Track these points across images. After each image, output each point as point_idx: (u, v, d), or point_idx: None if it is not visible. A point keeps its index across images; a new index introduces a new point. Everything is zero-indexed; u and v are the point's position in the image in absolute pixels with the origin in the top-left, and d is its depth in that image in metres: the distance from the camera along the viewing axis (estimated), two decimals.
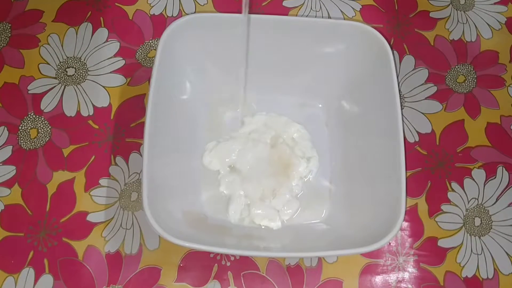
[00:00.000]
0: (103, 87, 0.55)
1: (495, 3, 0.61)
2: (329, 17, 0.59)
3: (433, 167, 0.53)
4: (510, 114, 0.55)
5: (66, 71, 0.56)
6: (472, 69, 0.57)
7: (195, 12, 0.59)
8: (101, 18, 0.58)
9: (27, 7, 0.58)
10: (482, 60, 0.58)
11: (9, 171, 0.51)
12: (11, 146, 0.52)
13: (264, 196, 0.50)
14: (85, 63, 0.56)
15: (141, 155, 0.51)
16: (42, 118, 0.54)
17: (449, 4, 0.61)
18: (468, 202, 0.52)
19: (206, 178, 0.50)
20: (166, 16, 0.59)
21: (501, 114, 0.55)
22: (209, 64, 0.52)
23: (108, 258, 0.49)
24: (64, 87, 0.55)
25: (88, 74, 0.56)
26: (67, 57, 0.56)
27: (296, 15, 0.59)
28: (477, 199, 0.52)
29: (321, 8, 0.59)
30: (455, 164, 0.53)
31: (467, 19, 0.60)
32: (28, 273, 0.48)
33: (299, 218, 0.49)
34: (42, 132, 0.53)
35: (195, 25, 0.49)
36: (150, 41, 0.57)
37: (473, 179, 0.52)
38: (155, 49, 0.56)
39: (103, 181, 0.51)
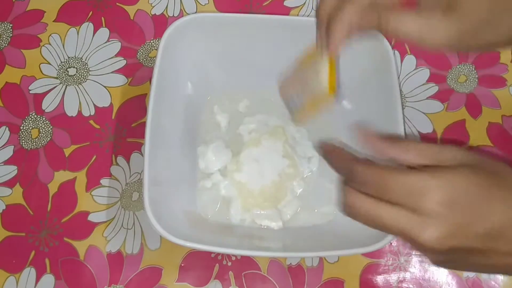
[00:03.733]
0: (105, 87, 0.55)
1: None
2: None
3: None
4: (511, 114, 0.55)
5: (68, 71, 0.56)
6: (473, 69, 0.57)
7: (196, 12, 0.59)
8: (102, 18, 0.58)
9: (28, 7, 0.58)
10: (484, 60, 0.57)
11: (11, 171, 0.51)
12: (13, 146, 0.52)
13: (265, 196, 0.50)
14: (86, 63, 0.56)
15: (142, 155, 0.51)
16: (44, 118, 0.54)
17: None
18: None
19: (207, 178, 0.50)
20: (167, 16, 0.59)
21: (502, 114, 0.55)
22: (210, 64, 0.52)
23: (110, 258, 0.49)
24: (66, 87, 0.55)
25: (89, 74, 0.56)
26: (69, 57, 0.56)
27: (297, 15, 0.59)
28: None
29: None
30: None
31: None
32: (29, 272, 0.48)
33: (300, 218, 0.49)
34: (43, 132, 0.53)
35: (196, 25, 0.49)
36: (151, 41, 0.57)
37: None
38: (156, 49, 0.56)
39: (104, 181, 0.51)
